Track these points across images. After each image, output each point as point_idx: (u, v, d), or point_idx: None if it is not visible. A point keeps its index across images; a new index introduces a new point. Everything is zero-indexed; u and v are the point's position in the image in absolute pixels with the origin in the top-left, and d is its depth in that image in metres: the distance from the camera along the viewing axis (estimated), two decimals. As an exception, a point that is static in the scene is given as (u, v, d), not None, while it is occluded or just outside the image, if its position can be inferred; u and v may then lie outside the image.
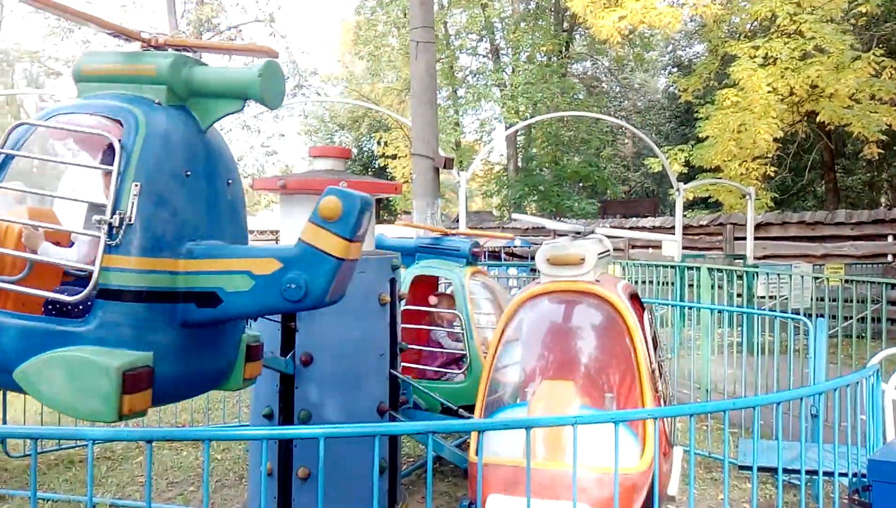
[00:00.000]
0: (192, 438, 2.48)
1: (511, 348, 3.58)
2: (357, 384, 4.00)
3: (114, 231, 2.76)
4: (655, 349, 3.77)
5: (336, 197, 2.92)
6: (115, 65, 3.10)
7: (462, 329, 5.21)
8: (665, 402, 3.80)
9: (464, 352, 5.20)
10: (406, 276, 5.46)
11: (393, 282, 4.18)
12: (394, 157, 26.63)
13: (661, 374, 3.70)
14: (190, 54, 3.22)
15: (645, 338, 3.35)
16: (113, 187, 2.81)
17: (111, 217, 2.76)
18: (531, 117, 19.19)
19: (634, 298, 3.80)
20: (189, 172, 2.98)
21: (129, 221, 2.78)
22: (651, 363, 3.29)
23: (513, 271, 13.75)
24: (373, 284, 4.03)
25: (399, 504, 4.30)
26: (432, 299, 5.60)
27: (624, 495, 2.82)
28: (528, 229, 22.56)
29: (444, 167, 8.68)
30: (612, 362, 3.39)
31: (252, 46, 3.52)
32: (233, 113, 3.17)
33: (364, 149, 32.60)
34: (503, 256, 21.68)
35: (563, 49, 23.72)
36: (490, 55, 25.08)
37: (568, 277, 3.52)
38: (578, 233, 3.86)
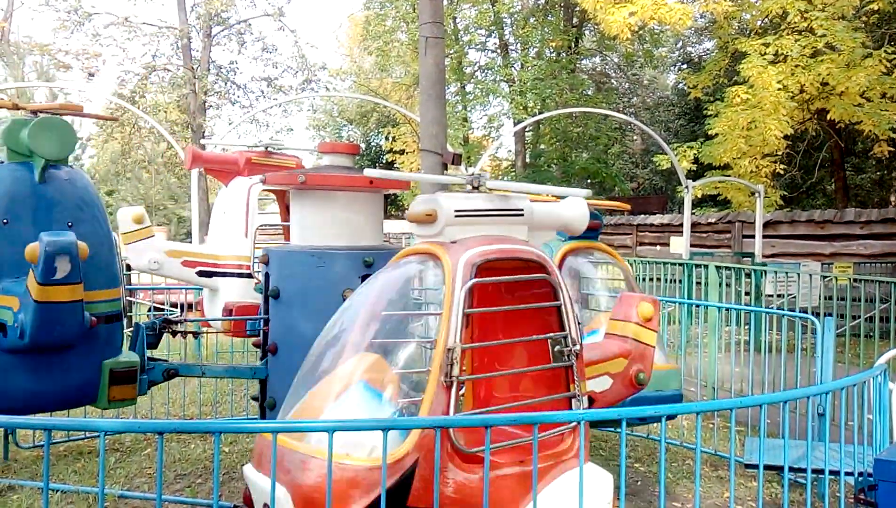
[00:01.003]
0: (203, 430, 2.52)
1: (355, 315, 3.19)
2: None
3: None
4: (563, 328, 3.09)
5: (37, 242, 3.32)
6: None
7: None
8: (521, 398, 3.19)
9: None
10: None
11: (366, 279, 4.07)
12: (402, 152, 26.65)
13: (567, 362, 3.06)
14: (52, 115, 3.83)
15: (458, 315, 2.81)
16: None
17: None
18: (540, 113, 19.16)
19: (513, 268, 3.13)
20: (6, 221, 3.57)
21: None
22: (448, 344, 2.76)
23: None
24: (336, 279, 3.93)
25: None
26: None
27: (335, 486, 2.45)
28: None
29: (452, 163, 8.66)
30: (423, 337, 2.96)
31: (56, 105, 4.07)
32: (47, 165, 3.70)
33: (372, 144, 32.64)
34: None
35: (573, 45, 23.64)
36: (499, 51, 25.03)
37: (423, 236, 3.17)
38: (476, 187, 3.26)
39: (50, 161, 3.74)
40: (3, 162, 3.67)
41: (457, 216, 3.09)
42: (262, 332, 4.19)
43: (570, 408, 3.02)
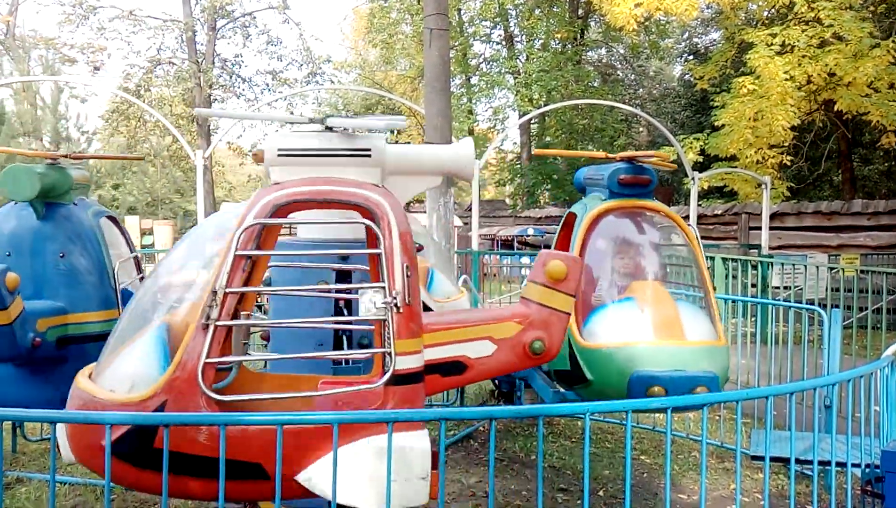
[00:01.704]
0: (208, 423, 2.51)
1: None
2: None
3: None
4: (383, 280, 2.73)
5: None
6: None
7: None
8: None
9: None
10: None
11: (342, 273, 3.91)
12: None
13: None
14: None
15: (230, 257, 2.65)
16: None
17: None
18: (545, 105, 19.11)
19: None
20: (9, 253, 4.27)
21: None
22: (215, 286, 2.63)
23: (525, 260, 13.77)
24: (309, 270, 3.84)
25: None
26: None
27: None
28: (541, 218, 22.49)
29: (458, 155, 8.65)
30: (210, 281, 2.78)
31: (43, 153, 4.74)
32: (37, 205, 4.31)
33: (377, 137, 32.60)
34: (516, 244, 21.67)
35: (578, 36, 23.56)
36: (504, 42, 24.96)
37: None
38: (329, 128, 2.91)
39: (19, 201, 4.35)
40: (16, 202, 4.39)
41: (280, 156, 2.86)
42: None
43: (384, 366, 2.75)
